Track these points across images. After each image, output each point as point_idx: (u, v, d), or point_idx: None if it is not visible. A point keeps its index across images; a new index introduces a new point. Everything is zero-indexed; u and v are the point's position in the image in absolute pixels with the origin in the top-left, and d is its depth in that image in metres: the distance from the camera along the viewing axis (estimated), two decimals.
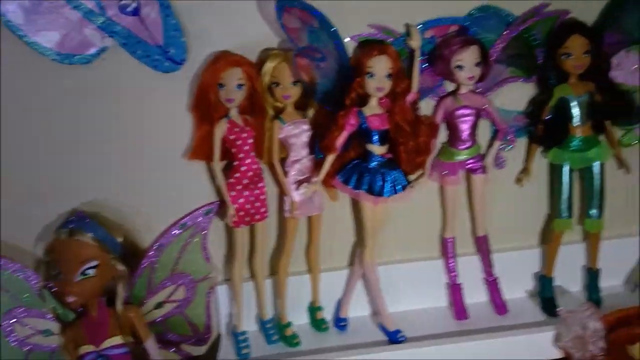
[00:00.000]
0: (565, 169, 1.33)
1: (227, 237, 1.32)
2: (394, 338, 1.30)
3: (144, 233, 1.25)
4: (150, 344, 1.18)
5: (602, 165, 1.33)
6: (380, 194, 1.23)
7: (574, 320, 1.12)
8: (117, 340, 1.14)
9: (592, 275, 1.40)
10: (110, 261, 1.15)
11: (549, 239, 1.39)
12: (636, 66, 1.35)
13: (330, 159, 1.22)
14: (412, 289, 1.40)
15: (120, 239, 1.19)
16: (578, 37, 1.25)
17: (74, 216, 1.18)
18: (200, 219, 1.24)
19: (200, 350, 1.27)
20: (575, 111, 1.30)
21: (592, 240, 1.39)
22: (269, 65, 1.19)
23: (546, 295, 1.38)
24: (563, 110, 1.31)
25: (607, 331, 1.13)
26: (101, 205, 1.23)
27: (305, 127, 1.24)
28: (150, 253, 1.22)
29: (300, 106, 1.24)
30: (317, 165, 1.24)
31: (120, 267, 1.16)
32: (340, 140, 1.21)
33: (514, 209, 1.41)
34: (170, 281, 1.24)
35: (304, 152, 1.24)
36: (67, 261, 1.11)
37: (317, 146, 1.22)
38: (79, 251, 1.11)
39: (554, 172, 1.35)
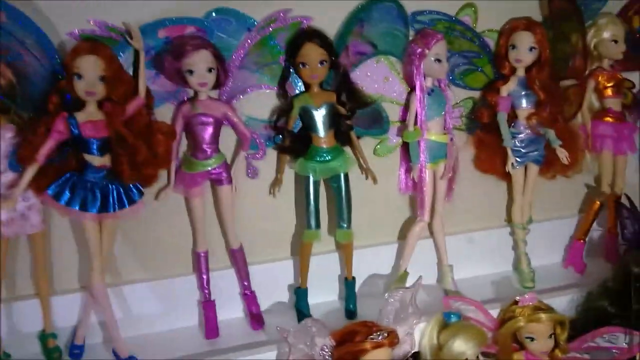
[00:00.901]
0: (311, 180, 1.29)
1: None
2: None
3: None
4: None
5: (346, 176, 1.31)
6: (103, 210, 1.12)
7: (300, 338, 1.08)
8: None
9: (348, 285, 1.39)
10: None
11: (300, 250, 1.35)
12: (385, 76, 1.36)
13: (31, 170, 1.08)
14: (162, 308, 1.31)
15: None
16: (313, 46, 1.22)
17: None
18: None
19: None
20: (317, 121, 1.27)
21: (344, 250, 1.37)
22: None
23: (301, 307, 1.35)
24: (307, 121, 1.28)
25: (335, 347, 1.10)
26: None
27: (8, 134, 1.09)
28: None
29: (2, 110, 1.09)
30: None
31: None
32: (45, 149, 1.08)
33: (270, 220, 1.37)
34: None
35: (6, 163, 1.09)
36: None
37: (16, 156, 1.08)
38: None
39: (301, 182, 1.32)
